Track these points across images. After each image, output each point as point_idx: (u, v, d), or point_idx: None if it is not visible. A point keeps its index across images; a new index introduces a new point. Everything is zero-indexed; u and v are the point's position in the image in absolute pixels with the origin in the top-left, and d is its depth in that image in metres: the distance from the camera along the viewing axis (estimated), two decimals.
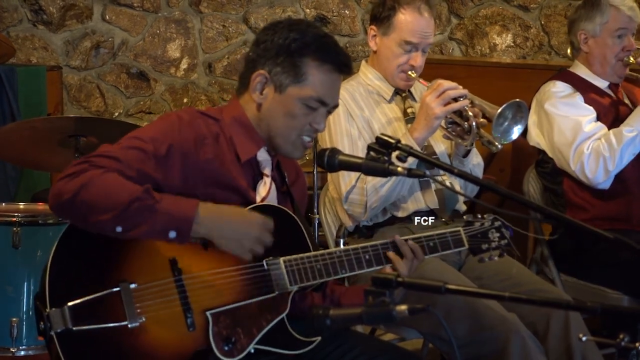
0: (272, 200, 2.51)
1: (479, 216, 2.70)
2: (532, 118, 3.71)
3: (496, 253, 2.67)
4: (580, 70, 3.73)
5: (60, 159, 3.65)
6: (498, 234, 2.68)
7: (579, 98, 3.64)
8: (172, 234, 2.24)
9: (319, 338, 2.43)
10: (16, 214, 3.37)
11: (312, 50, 2.43)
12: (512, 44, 5.98)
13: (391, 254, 2.49)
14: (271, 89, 2.46)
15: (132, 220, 2.21)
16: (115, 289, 2.22)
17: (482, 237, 2.67)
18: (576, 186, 3.63)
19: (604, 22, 3.64)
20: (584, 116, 3.59)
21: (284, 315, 2.38)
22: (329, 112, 2.52)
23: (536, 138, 3.72)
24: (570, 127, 3.58)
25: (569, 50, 3.86)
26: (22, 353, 3.32)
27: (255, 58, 2.48)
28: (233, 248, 2.30)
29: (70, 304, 2.18)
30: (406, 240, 2.54)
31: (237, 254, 2.31)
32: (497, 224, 2.68)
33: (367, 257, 2.47)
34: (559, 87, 3.67)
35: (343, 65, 2.47)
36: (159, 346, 2.25)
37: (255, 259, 2.34)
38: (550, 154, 3.67)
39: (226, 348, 2.29)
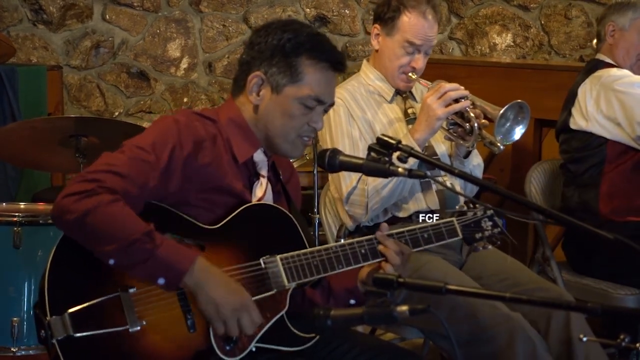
0: (268, 201, 2.51)
1: (472, 206, 2.69)
2: (590, 104, 3.65)
3: (490, 242, 2.66)
4: (607, 60, 3.74)
5: (61, 159, 3.65)
6: (491, 223, 2.66)
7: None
8: (161, 281, 2.23)
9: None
10: (17, 214, 3.36)
11: (307, 49, 2.43)
12: (512, 44, 5.98)
13: (382, 247, 2.47)
14: (268, 90, 2.45)
15: (128, 259, 2.20)
16: (114, 294, 2.22)
17: (475, 226, 2.64)
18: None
19: (635, 18, 3.68)
20: None
21: (283, 312, 2.38)
22: (325, 111, 2.52)
23: (598, 125, 3.64)
24: None
25: (594, 42, 3.87)
26: (23, 353, 3.32)
27: (249, 60, 2.47)
28: (210, 311, 2.25)
29: (70, 311, 2.18)
30: (398, 233, 2.51)
31: (209, 319, 2.26)
32: (489, 212, 2.66)
33: (363, 251, 2.46)
34: (623, 71, 3.66)
35: (338, 62, 2.47)
36: (161, 349, 2.25)
37: (225, 338, 2.29)
38: (627, 137, 3.60)
39: (228, 348, 2.29)
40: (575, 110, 3.69)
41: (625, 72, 3.66)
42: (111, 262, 2.20)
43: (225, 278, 2.28)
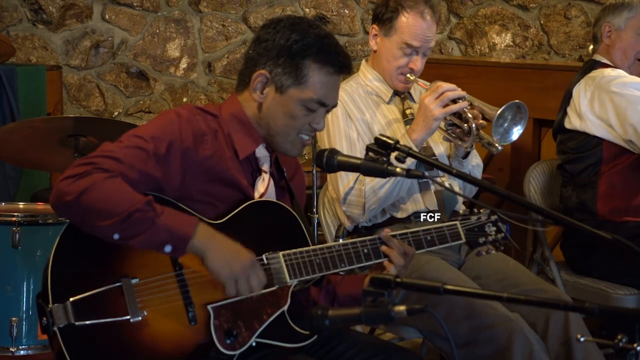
0: (271, 197, 2.53)
1: (476, 211, 2.71)
2: (583, 104, 3.65)
3: (493, 247, 2.68)
4: (603, 60, 3.74)
5: (60, 158, 3.65)
6: (495, 228, 2.68)
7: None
8: (168, 248, 2.24)
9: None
10: (16, 214, 3.38)
11: (314, 52, 2.44)
12: (512, 44, 5.98)
13: (385, 248, 2.49)
14: (272, 89, 2.46)
15: (131, 230, 2.21)
16: (117, 284, 2.24)
17: (479, 230, 2.66)
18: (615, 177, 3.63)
19: (630, 17, 3.68)
20: None
21: (284, 308, 2.40)
22: (327, 111, 2.53)
23: (591, 125, 3.64)
24: None
25: (590, 48, 3.87)
26: (22, 352, 3.33)
27: (255, 57, 2.48)
28: (221, 269, 2.27)
29: (72, 299, 2.20)
30: (401, 234, 2.53)
31: (222, 278, 2.28)
32: (493, 217, 2.69)
33: (365, 250, 2.47)
34: (617, 71, 3.65)
35: (343, 66, 2.48)
36: (161, 340, 2.27)
37: (237, 294, 2.30)
38: (618, 138, 3.59)
39: (228, 341, 2.30)
40: (570, 110, 3.70)
41: (619, 72, 3.66)
42: (116, 236, 2.21)
43: (229, 240, 2.31)
